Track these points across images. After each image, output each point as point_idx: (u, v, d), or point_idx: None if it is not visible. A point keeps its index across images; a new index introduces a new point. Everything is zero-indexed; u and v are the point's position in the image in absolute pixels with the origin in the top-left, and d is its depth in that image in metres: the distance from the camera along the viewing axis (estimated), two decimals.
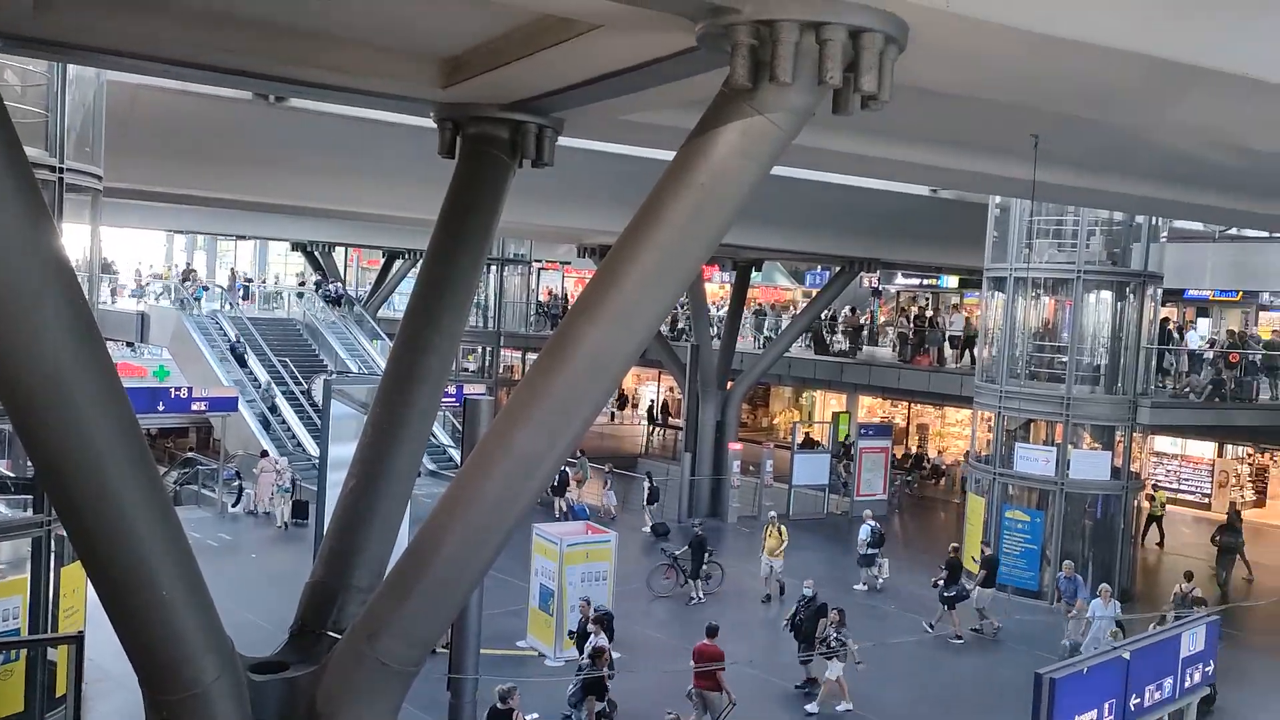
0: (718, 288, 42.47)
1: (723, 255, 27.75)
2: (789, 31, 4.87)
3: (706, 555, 19.69)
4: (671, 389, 40.04)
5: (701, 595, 19.41)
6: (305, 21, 6.59)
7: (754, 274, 31.70)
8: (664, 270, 5.48)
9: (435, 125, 7.64)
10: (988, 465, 21.28)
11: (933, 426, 35.55)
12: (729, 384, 28.13)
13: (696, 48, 5.37)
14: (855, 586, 20.62)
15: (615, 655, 13.58)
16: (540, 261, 42.28)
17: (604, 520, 22.91)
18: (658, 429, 38.44)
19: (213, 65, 6.86)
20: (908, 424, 35.55)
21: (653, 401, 40.83)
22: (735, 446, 26.92)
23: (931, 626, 17.87)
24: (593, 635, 13.42)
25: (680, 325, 33.55)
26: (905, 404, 34.73)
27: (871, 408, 35.32)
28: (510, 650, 16.03)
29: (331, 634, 6.57)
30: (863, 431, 28.21)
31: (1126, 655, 8.77)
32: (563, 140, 7.99)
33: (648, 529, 24.09)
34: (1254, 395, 22.83)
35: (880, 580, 20.62)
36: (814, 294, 33.68)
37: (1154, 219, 20.04)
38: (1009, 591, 19.77)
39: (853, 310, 34.62)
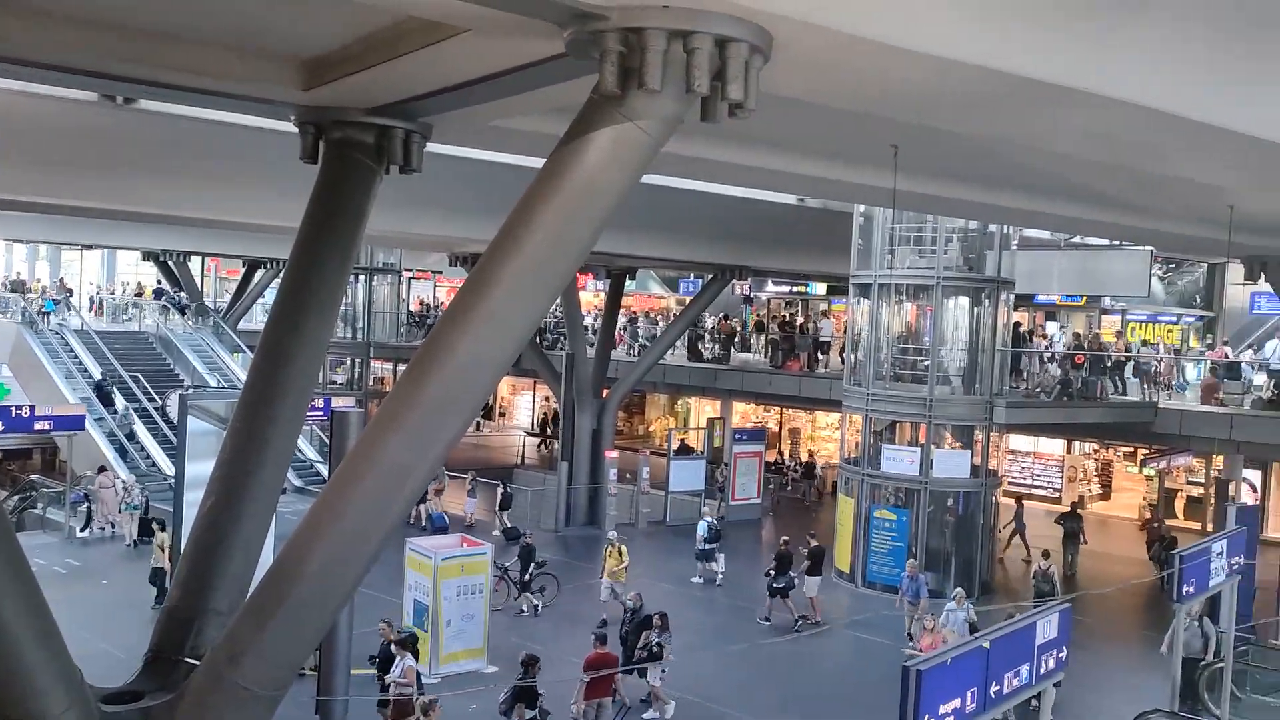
0: (592, 296, 42.55)
1: (596, 263, 27.81)
2: (657, 39, 4.91)
3: (533, 566, 18.97)
4: (548, 398, 39.89)
5: (529, 608, 18.63)
6: (150, 19, 6.27)
7: (628, 282, 31.87)
8: (536, 277, 5.44)
9: (297, 129, 7.39)
10: (856, 466, 21.93)
11: (804, 430, 36.43)
12: (604, 392, 28.18)
13: (565, 54, 5.36)
14: (692, 579, 21.29)
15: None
16: (411, 271, 41.54)
17: (461, 529, 22.67)
18: (548, 440, 38.13)
19: (53, 64, 6.48)
20: (780, 428, 36.33)
21: (545, 414, 40.56)
22: (612, 454, 26.96)
23: (767, 619, 18.65)
24: (398, 658, 12.86)
25: (554, 334, 33.47)
26: (777, 409, 35.47)
27: (745, 413, 35.95)
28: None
29: (189, 660, 6.26)
30: (736, 436, 28.66)
31: (987, 645, 9.12)
32: (433, 146, 7.85)
33: (498, 532, 23.96)
34: (1099, 394, 24.18)
35: (719, 575, 21.11)
36: (687, 301, 34.09)
37: (1006, 227, 21.04)
38: (878, 589, 20.42)
39: (725, 317, 35.18)
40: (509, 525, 24.26)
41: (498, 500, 25.64)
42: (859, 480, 21.62)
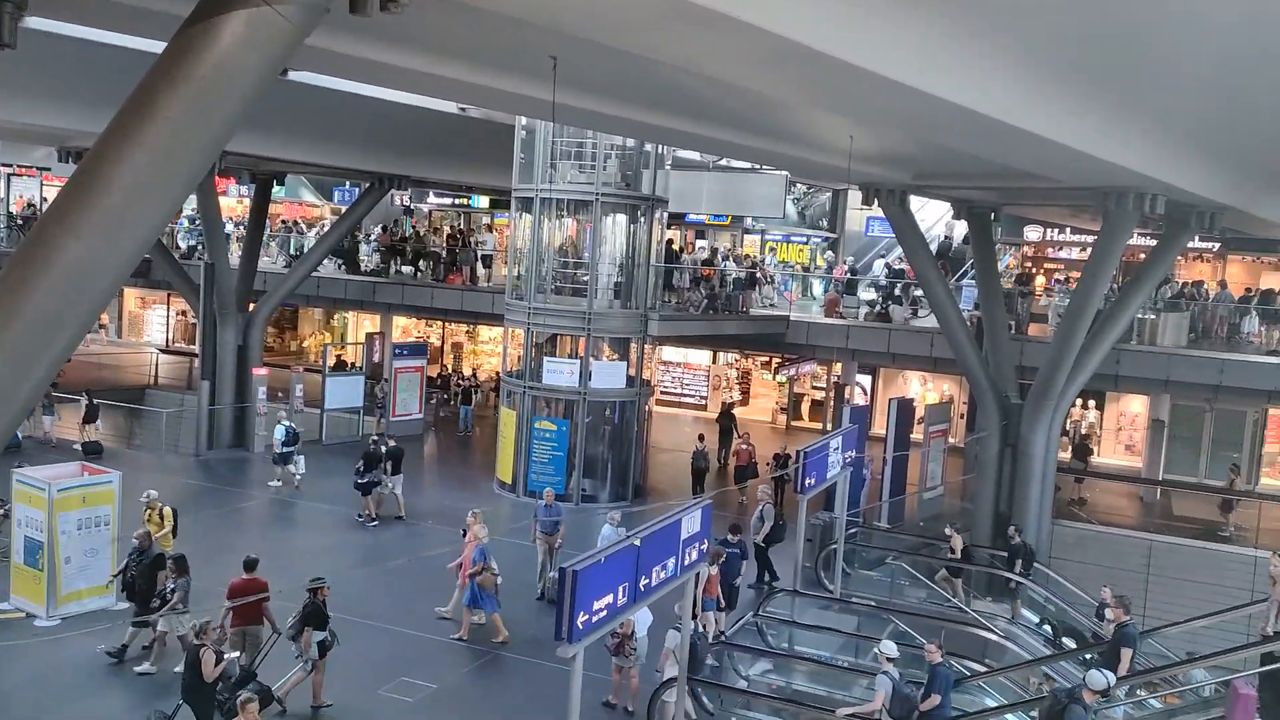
0: (235, 202, 39.47)
1: (239, 166, 25.67)
2: None
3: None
4: (184, 313, 36.68)
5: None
6: None
7: (276, 188, 29.73)
8: (158, 175, 4.85)
9: None
10: (519, 380, 22.25)
11: (467, 345, 36.35)
12: (251, 306, 26.36)
13: None
14: (270, 484, 21.40)
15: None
16: (12, 166, 36.32)
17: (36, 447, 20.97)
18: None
19: None
20: (442, 343, 36.00)
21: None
22: (261, 372, 25.39)
23: (361, 516, 19.23)
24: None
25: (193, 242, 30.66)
26: (440, 323, 35.07)
27: (406, 328, 35.19)
28: None
29: None
30: (397, 351, 28.02)
31: (637, 543, 9.69)
32: (38, 25, 6.70)
33: (78, 446, 22.49)
34: (740, 307, 26.14)
35: (298, 477, 21.37)
36: (343, 211, 32.47)
37: (661, 147, 21.88)
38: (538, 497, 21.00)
39: (384, 229, 33.94)
40: (91, 440, 23.02)
41: (83, 413, 23.78)
42: (521, 393, 21.97)
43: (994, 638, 14.78)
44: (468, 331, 35.44)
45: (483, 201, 38.59)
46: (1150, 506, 23.92)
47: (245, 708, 9.54)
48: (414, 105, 20.32)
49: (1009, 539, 17.70)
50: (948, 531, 17.79)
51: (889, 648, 10.94)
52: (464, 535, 14.74)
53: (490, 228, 35.46)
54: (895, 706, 10.54)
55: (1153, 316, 23.13)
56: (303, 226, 36.28)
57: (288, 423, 21.77)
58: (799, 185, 34.81)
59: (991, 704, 12.30)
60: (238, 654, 11.09)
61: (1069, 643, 15.82)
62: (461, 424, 28.18)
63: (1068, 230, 32.14)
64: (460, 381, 31.28)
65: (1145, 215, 17.21)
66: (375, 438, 20.29)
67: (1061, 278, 31.37)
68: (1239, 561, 18.22)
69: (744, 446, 23.07)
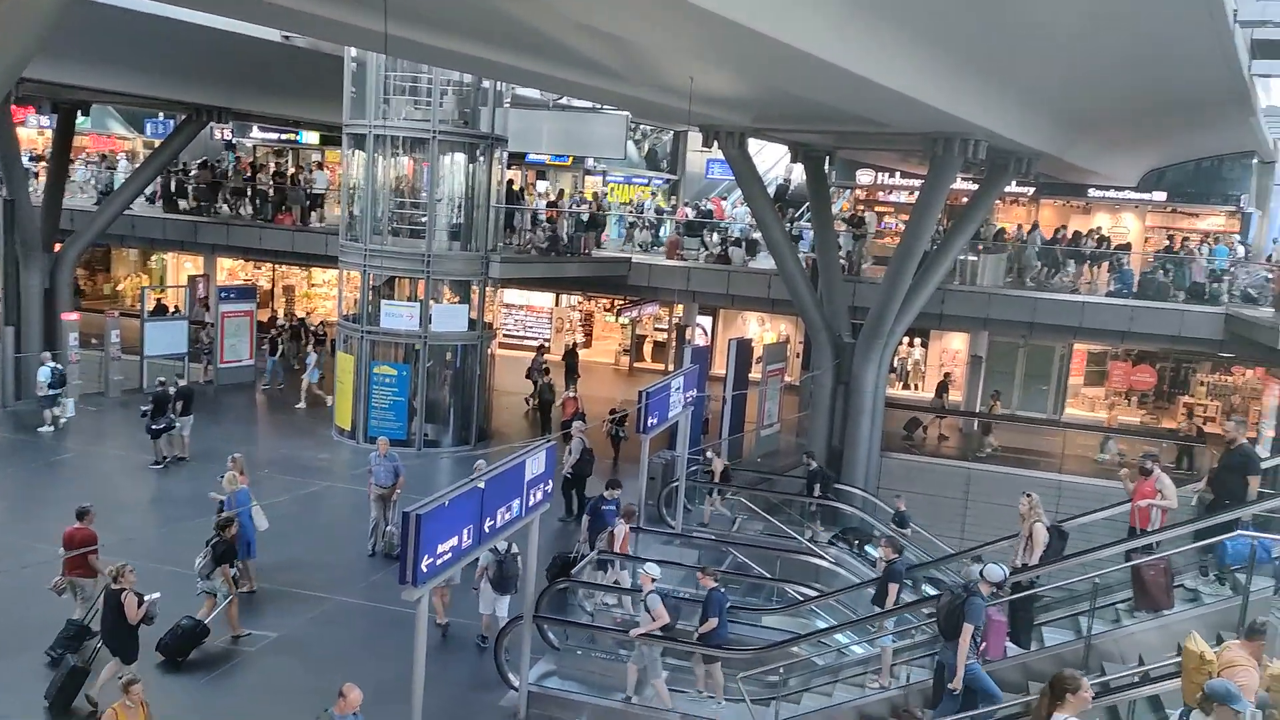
0: (36, 134, 36.38)
1: (38, 94, 23.58)
2: None
3: None
4: None
5: None
6: None
7: (81, 119, 27.47)
8: None
9: None
10: (356, 324, 21.53)
11: (300, 288, 34.91)
12: (58, 246, 24.45)
13: None
14: (40, 429, 20.64)
15: None
16: None
17: None
18: None
19: None
20: (273, 286, 34.44)
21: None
22: (72, 317, 23.65)
23: (157, 462, 18.80)
24: None
25: None
26: (270, 265, 33.51)
27: (233, 270, 33.45)
28: None
29: None
30: (223, 295, 26.61)
31: (482, 485, 9.57)
32: None
33: None
34: (582, 249, 26.03)
35: (63, 420, 21.02)
36: (157, 145, 30.36)
37: (500, 84, 21.34)
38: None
39: (204, 165, 31.97)
40: None
41: None
42: (359, 337, 21.29)
43: (825, 564, 15.48)
44: (305, 278, 34.05)
45: (312, 137, 36.88)
46: (969, 438, 25.45)
47: (129, 690, 8.93)
48: (231, 32, 19.04)
49: (806, 465, 18.58)
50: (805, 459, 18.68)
51: (652, 569, 11.36)
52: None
53: (321, 165, 33.90)
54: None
55: (974, 258, 24.36)
56: (114, 160, 33.75)
57: (52, 364, 20.96)
58: (641, 126, 34.78)
59: (822, 625, 12.95)
60: (157, 595, 10.72)
61: (871, 550, 16.75)
62: (268, 376, 26.21)
63: (898, 174, 33.39)
64: (286, 327, 29.81)
65: (968, 160, 18.03)
66: (162, 380, 19.88)
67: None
68: (1046, 486, 19.63)
69: (571, 396, 23.26)
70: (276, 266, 33.53)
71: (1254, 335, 20.31)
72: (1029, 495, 11.97)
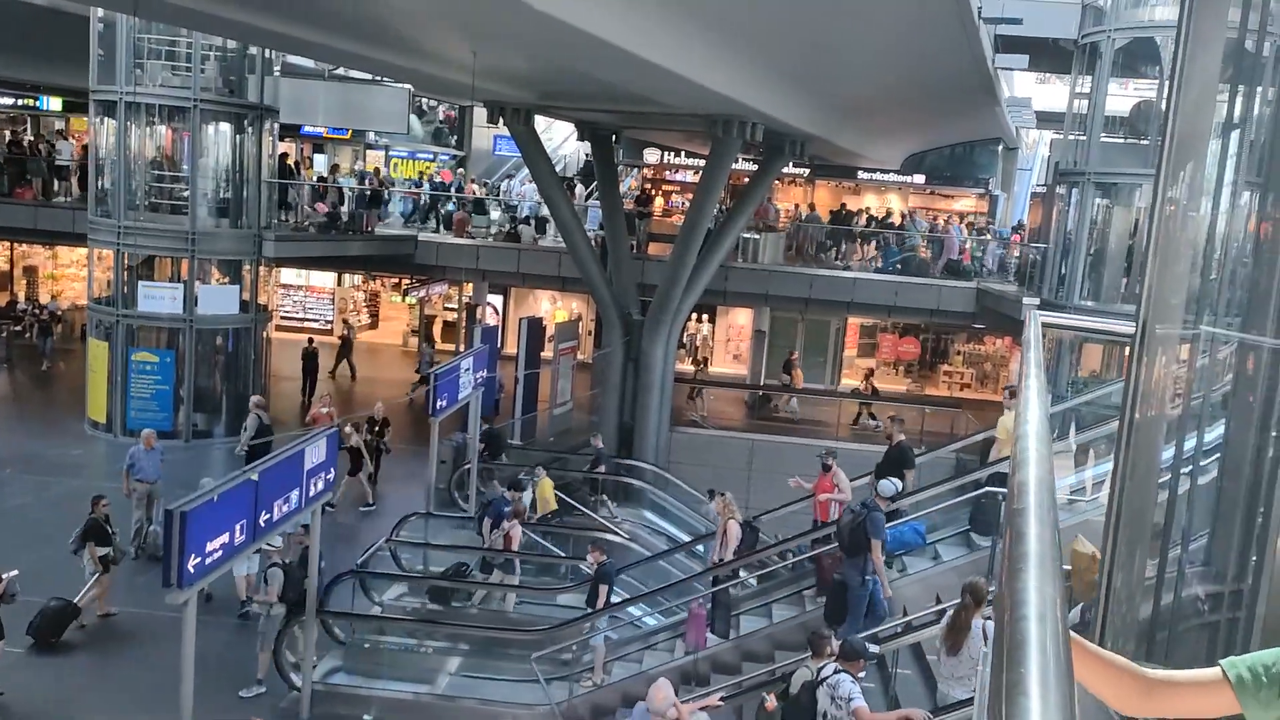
0: None
1: None
2: None
3: None
4: None
5: None
6: None
7: None
8: None
9: None
10: (110, 307, 19.82)
11: (44, 269, 31.81)
12: None
13: None
14: None
15: None
16: None
17: None
18: None
19: None
20: (12, 267, 31.21)
21: None
22: None
23: None
24: None
25: None
26: (7, 244, 30.32)
27: None
28: None
29: None
30: None
31: (255, 477, 9.02)
32: None
33: None
34: (365, 226, 25.01)
35: None
36: None
37: (269, 52, 20.10)
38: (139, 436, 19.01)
39: None
40: None
41: None
42: (114, 322, 19.61)
43: (619, 539, 15.65)
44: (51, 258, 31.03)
45: (55, 104, 33.56)
46: (753, 409, 26.38)
47: None
48: None
49: (593, 445, 18.91)
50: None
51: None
52: None
53: (64, 134, 30.93)
54: None
55: (756, 236, 25.19)
56: None
57: None
58: (427, 100, 33.78)
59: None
60: (15, 572, 10.68)
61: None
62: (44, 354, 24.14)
63: (683, 154, 34.07)
64: (35, 312, 27.15)
65: (747, 141, 18.57)
66: None
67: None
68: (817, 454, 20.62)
69: (324, 410, 20.92)
70: (16, 245, 30.41)
71: (1000, 308, 22.09)
72: (723, 495, 12.91)
